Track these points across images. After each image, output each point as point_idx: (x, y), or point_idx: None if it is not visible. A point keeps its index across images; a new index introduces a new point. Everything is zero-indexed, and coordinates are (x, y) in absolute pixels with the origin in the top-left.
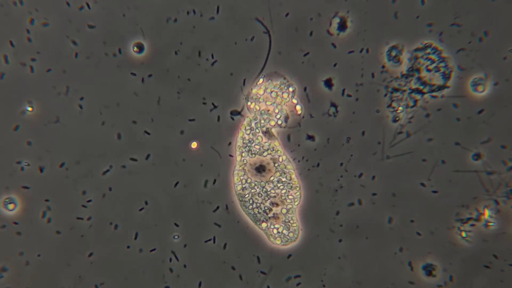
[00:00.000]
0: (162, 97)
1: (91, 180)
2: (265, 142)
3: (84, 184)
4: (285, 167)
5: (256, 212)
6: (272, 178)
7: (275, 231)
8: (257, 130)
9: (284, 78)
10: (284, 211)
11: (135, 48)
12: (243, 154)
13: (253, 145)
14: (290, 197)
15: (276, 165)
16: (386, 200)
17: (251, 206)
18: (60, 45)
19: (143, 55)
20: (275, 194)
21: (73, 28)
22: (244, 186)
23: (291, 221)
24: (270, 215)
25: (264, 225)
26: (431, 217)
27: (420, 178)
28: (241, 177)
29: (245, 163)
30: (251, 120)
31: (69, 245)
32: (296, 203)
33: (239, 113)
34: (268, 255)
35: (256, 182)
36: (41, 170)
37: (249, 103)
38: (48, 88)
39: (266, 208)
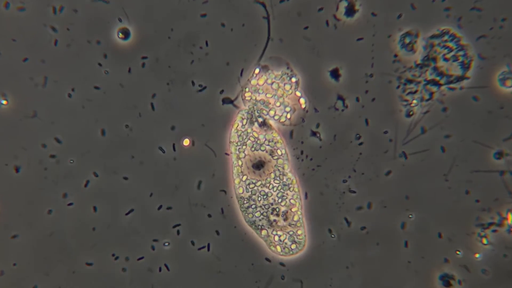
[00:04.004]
0: (150, 89)
1: (72, 181)
2: (261, 134)
3: (64, 186)
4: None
5: (258, 215)
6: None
7: (276, 238)
8: (253, 120)
9: (288, 67)
10: (287, 223)
11: (120, 34)
12: (243, 147)
13: (248, 136)
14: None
15: (275, 157)
16: (399, 203)
17: (251, 211)
18: (38, 32)
19: (129, 42)
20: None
21: (52, 13)
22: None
23: (297, 236)
24: (273, 219)
25: (264, 232)
26: (449, 222)
27: (436, 178)
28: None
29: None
30: (245, 113)
31: (48, 252)
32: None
33: (231, 101)
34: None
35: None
36: (17, 170)
37: (245, 93)
38: (24, 79)
39: (277, 210)
